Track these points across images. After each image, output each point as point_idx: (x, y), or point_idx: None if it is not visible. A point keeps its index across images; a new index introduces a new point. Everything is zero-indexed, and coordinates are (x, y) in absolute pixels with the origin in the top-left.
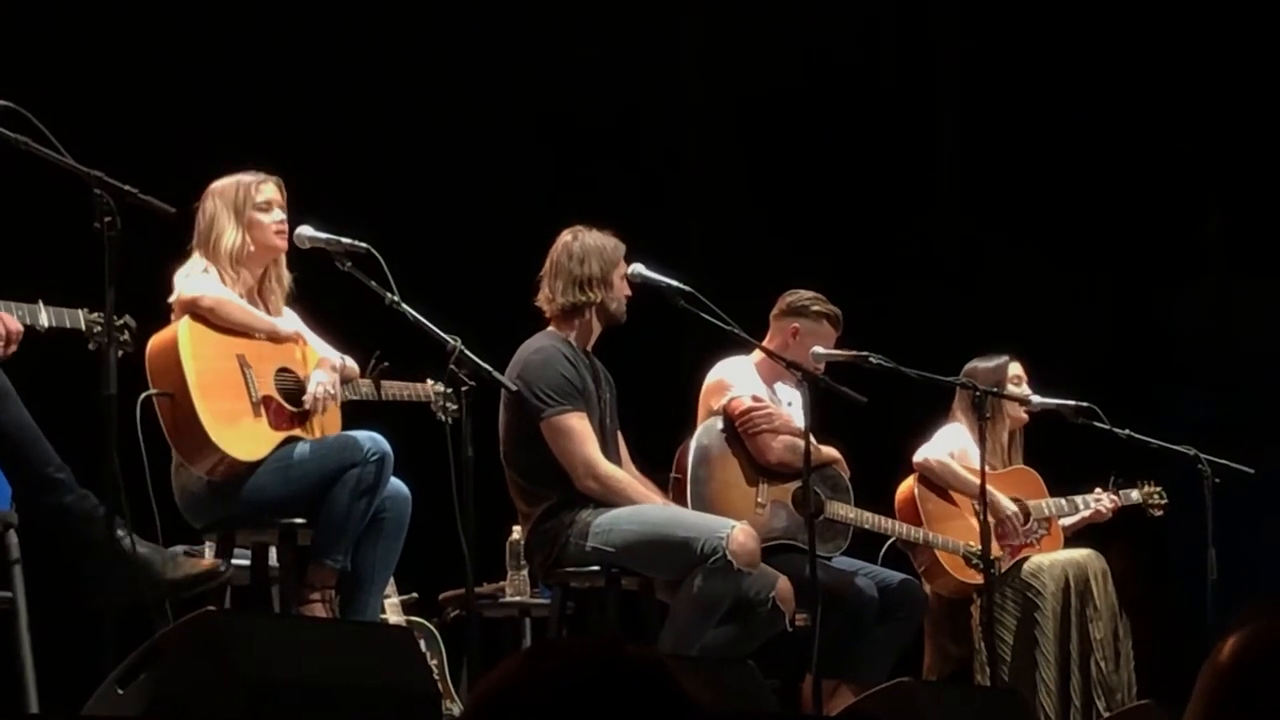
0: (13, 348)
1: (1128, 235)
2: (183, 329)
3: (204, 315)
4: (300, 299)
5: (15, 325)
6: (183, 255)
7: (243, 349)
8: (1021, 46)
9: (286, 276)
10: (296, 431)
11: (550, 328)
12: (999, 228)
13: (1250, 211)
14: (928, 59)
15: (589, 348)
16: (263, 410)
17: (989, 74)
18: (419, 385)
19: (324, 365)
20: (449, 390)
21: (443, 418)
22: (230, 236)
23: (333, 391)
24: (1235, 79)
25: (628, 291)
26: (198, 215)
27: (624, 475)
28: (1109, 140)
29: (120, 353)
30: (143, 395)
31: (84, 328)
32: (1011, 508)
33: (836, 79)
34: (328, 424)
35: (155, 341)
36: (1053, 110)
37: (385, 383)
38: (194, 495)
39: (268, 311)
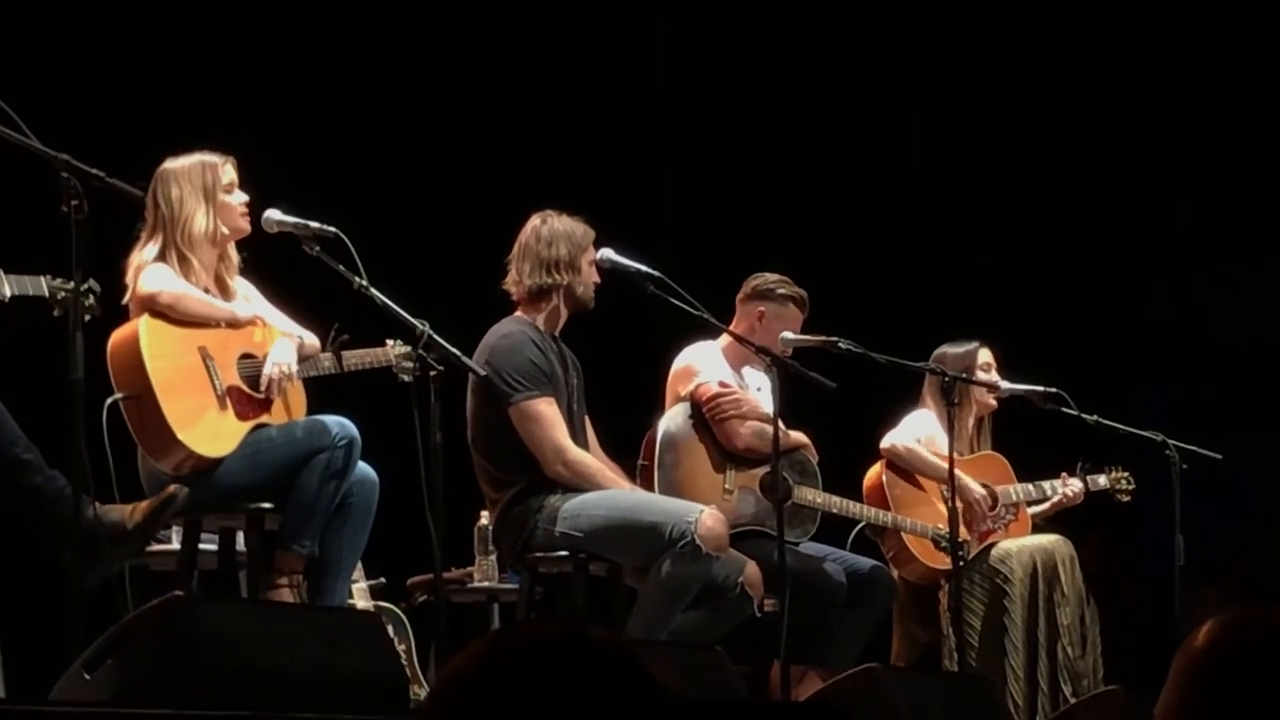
0: None
1: (1097, 224)
2: (143, 328)
3: (163, 312)
4: (268, 283)
5: None
6: (134, 241)
7: (204, 341)
8: (991, 38)
9: (235, 255)
10: (264, 418)
11: (518, 312)
12: (969, 216)
13: (1218, 200)
14: (898, 48)
15: (556, 333)
16: (228, 402)
17: (959, 64)
18: (377, 350)
19: (283, 340)
20: (408, 350)
21: (405, 378)
22: (202, 220)
23: (288, 371)
24: (1202, 69)
25: (596, 278)
26: (154, 198)
27: (592, 460)
28: (1078, 130)
29: (87, 317)
30: (109, 400)
31: (47, 294)
32: (980, 491)
33: (808, 66)
34: (293, 403)
35: (115, 341)
36: (1022, 101)
37: (346, 353)
38: (161, 481)
39: (224, 293)
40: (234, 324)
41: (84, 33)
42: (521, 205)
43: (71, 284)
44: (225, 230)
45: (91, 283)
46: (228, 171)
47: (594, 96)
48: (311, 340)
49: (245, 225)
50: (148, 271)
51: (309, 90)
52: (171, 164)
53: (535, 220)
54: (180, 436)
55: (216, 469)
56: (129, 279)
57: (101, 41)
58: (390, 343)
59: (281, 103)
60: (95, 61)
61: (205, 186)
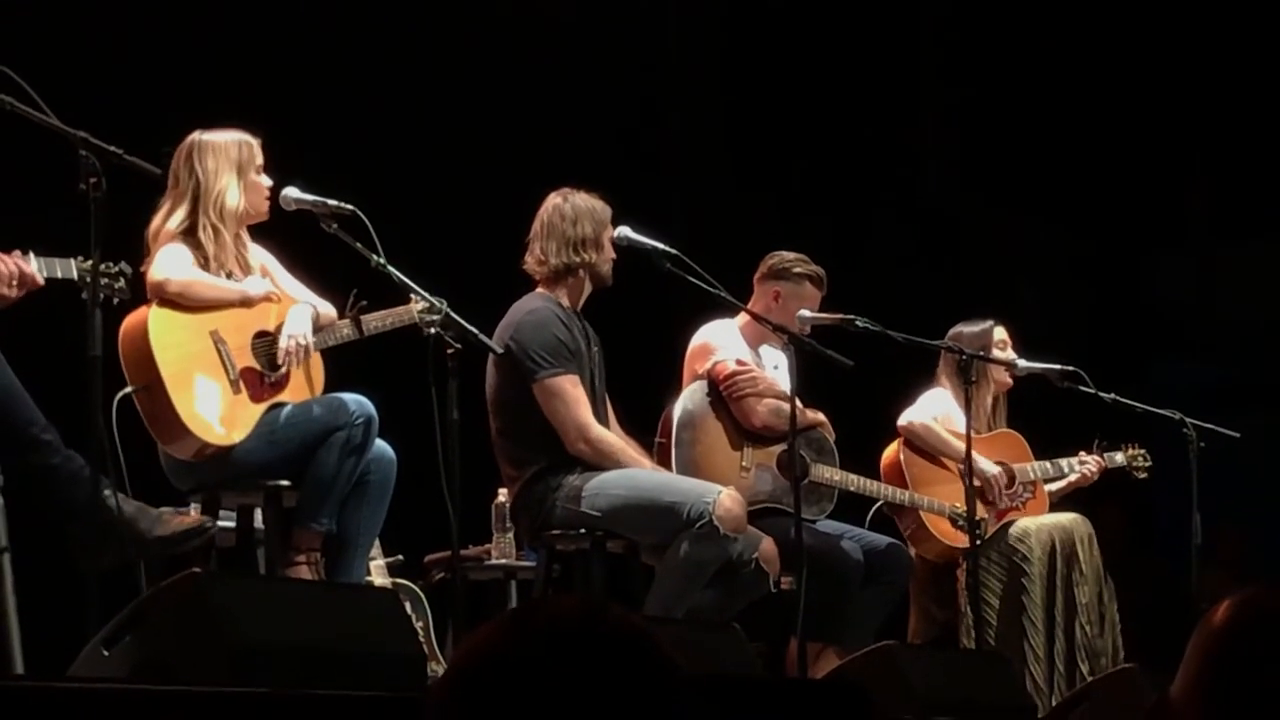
0: (18, 292)
1: (1113, 202)
2: (151, 319)
3: (172, 299)
4: (284, 261)
5: (29, 270)
6: (157, 208)
7: (216, 324)
8: (1007, 12)
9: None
10: (280, 398)
11: (540, 289)
12: (984, 194)
13: (1235, 177)
14: (912, 21)
15: (579, 309)
16: (242, 386)
17: (974, 39)
18: (400, 309)
19: (296, 309)
20: (432, 304)
21: (430, 332)
22: (235, 196)
23: (304, 342)
24: (1218, 46)
25: (614, 254)
26: (187, 166)
27: (615, 439)
28: (1094, 107)
29: (117, 300)
30: (119, 394)
31: (76, 276)
32: (994, 469)
33: (818, 41)
34: (313, 373)
35: (124, 333)
36: (1037, 77)
37: (365, 317)
38: (182, 467)
39: (236, 268)
40: (247, 303)
41: (100, 9)
42: (536, 184)
43: (104, 266)
44: (250, 210)
45: (123, 265)
46: (258, 154)
47: (605, 75)
48: (327, 310)
49: (266, 208)
50: (161, 254)
51: (326, 67)
52: (207, 135)
53: (556, 198)
54: (191, 428)
55: (235, 448)
56: (152, 242)
57: (117, 18)
58: (414, 298)
59: (298, 79)
60: (111, 38)
61: (240, 163)
